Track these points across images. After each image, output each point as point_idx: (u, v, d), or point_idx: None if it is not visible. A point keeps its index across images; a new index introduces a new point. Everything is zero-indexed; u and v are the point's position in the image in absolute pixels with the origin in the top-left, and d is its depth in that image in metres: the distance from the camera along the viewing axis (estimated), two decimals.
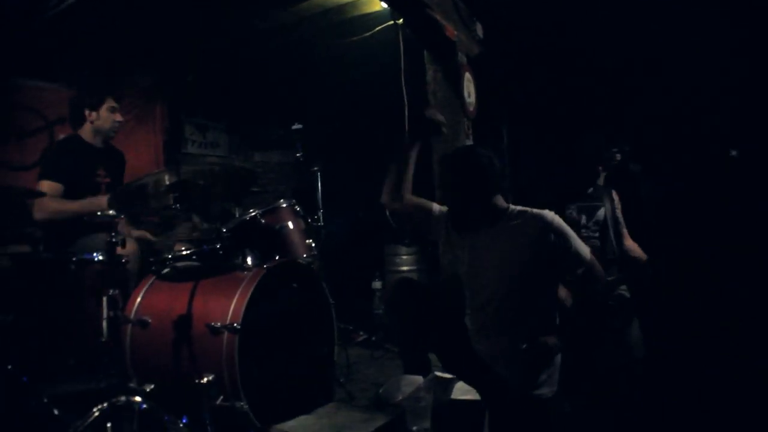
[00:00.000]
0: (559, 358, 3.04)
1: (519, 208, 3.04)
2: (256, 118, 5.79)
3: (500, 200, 3.06)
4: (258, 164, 5.94)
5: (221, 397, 3.14)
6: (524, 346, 2.91)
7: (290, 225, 4.11)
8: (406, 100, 5.25)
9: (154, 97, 5.70)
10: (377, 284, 5.47)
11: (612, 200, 4.22)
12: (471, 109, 5.19)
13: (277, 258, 3.81)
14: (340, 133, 5.96)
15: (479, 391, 2.90)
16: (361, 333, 4.85)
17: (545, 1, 5.74)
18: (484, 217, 3.04)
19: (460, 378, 2.97)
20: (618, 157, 4.48)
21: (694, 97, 5.48)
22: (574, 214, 4.30)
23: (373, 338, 4.81)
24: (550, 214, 2.95)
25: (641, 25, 5.52)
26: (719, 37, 5.23)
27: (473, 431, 2.92)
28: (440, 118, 3.43)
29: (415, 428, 3.01)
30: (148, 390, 3.06)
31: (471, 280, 3.14)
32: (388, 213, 5.41)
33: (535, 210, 2.99)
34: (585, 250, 3.01)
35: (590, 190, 4.32)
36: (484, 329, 3.08)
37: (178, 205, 3.37)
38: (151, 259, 3.68)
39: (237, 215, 4.17)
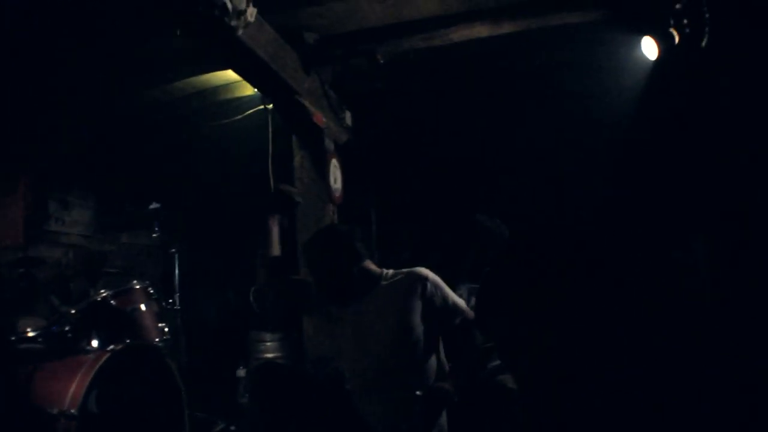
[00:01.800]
0: (444, 417, 3.04)
1: (393, 270, 3.16)
2: (124, 197, 5.62)
3: (372, 265, 3.16)
4: (124, 245, 5.73)
5: None
6: (418, 392, 2.88)
7: (142, 307, 3.96)
8: (272, 184, 5.22)
9: (18, 169, 5.42)
10: (241, 372, 5.27)
11: None
12: (337, 195, 5.20)
13: (126, 341, 3.61)
14: (208, 214, 5.84)
15: None
16: (219, 422, 4.62)
17: (412, 93, 5.94)
18: (360, 284, 3.10)
19: None
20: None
21: (554, 183, 5.74)
22: (464, 295, 4.29)
23: (232, 428, 4.59)
24: (424, 270, 3.08)
25: (498, 118, 5.80)
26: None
27: None
28: (292, 190, 3.50)
29: None
30: None
31: (355, 346, 3.17)
32: (252, 298, 5.31)
33: (408, 269, 3.11)
34: (461, 301, 3.13)
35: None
36: (369, 390, 3.08)
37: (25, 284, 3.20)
38: None
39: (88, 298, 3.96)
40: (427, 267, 3.23)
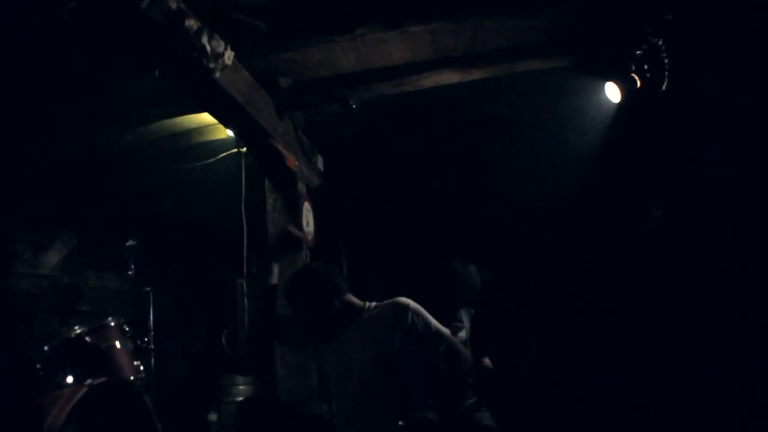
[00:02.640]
0: None
1: (375, 303, 3.23)
2: (93, 238, 5.58)
3: (353, 299, 3.23)
4: (94, 290, 5.66)
5: None
6: (401, 422, 2.89)
7: (117, 345, 3.93)
8: (245, 227, 5.25)
9: None
10: (213, 416, 5.20)
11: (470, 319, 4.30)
12: (309, 238, 5.24)
13: (103, 378, 3.57)
14: (182, 255, 5.83)
15: None
16: None
17: (383, 137, 6.05)
18: (343, 317, 3.15)
19: None
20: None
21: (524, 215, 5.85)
22: (465, 321, 4.31)
23: None
24: (406, 299, 3.14)
25: (467, 161, 5.93)
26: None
27: None
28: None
29: None
30: None
31: (339, 375, 3.23)
32: (224, 340, 5.28)
33: (391, 300, 3.17)
34: (444, 329, 3.17)
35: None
36: (353, 420, 3.12)
37: None
38: None
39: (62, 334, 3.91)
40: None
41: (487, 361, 4.00)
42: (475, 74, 4.81)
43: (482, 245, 5.84)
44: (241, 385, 4.95)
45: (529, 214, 5.91)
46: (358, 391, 3.10)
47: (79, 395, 3.15)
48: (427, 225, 6.19)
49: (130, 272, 4.49)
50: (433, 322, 3.14)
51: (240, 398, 4.97)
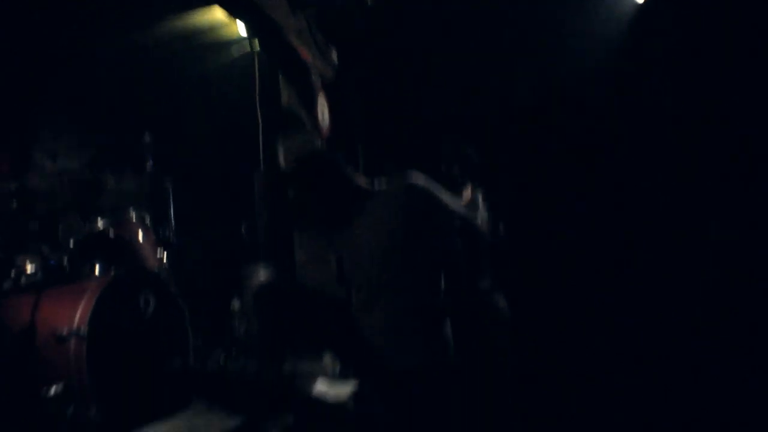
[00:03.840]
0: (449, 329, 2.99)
1: (383, 181, 3.06)
2: (111, 139, 5.62)
3: (361, 180, 3.08)
4: (113, 192, 5.73)
5: (72, 408, 2.99)
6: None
7: (140, 237, 4.02)
8: (260, 121, 5.27)
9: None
10: (236, 304, 5.36)
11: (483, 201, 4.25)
12: (324, 129, 5.27)
13: (126, 268, 3.68)
14: (200, 151, 5.86)
15: (368, 366, 2.96)
16: (219, 350, 4.72)
17: (398, 30, 5.97)
18: (354, 203, 3.03)
19: (347, 358, 3.00)
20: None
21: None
22: (478, 199, 4.29)
23: (233, 353, 4.70)
24: (415, 174, 2.96)
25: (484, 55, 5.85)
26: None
27: (337, 428, 2.92)
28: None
29: (276, 429, 2.98)
30: None
31: (354, 265, 3.10)
32: (243, 229, 5.38)
33: (398, 179, 2.99)
34: (456, 203, 3.03)
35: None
36: (370, 305, 3.00)
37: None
38: None
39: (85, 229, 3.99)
40: None
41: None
42: None
43: (497, 134, 5.84)
44: (261, 272, 5.07)
45: (544, 108, 5.87)
46: (372, 278, 3.00)
47: (107, 282, 3.26)
48: (443, 116, 6.16)
49: (148, 167, 4.54)
50: (446, 197, 2.98)
51: (259, 285, 5.12)
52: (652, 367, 4.13)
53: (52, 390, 2.93)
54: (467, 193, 4.17)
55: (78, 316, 3.08)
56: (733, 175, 5.09)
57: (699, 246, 5.01)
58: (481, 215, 4.21)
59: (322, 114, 5.27)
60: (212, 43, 5.70)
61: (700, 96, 5.47)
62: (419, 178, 2.96)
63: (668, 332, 4.54)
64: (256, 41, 5.27)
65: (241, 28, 5.36)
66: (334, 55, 5.80)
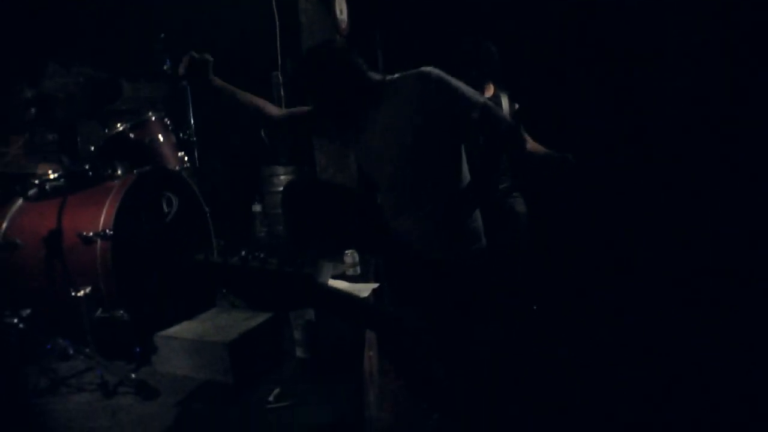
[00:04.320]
0: (478, 212, 2.95)
1: (396, 75, 2.85)
2: (122, 50, 5.51)
3: (374, 75, 2.88)
4: (127, 100, 5.66)
5: (100, 309, 3.05)
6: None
7: (160, 138, 4.00)
8: (277, 20, 5.16)
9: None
10: (257, 207, 5.40)
11: (509, 101, 4.12)
12: (343, 26, 5.15)
13: (148, 167, 3.67)
14: (215, 54, 5.73)
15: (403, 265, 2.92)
16: (242, 249, 4.75)
17: None
18: (366, 99, 2.85)
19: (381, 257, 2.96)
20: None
21: None
22: (505, 102, 4.15)
23: (256, 253, 4.74)
24: (427, 68, 2.75)
25: None
26: None
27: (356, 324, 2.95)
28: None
29: (298, 320, 3.02)
30: (24, 315, 2.92)
31: (373, 165, 2.99)
32: (263, 133, 5.35)
33: (411, 71, 2.78)
34: (474, 93, 2.80)
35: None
36: (396, 208, 2.94)
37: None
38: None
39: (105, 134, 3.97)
40: None
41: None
42: None
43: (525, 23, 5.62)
44: (282, 175, 5.08)
45: None
46: (393, 179, 2.90)
47: (130, 182, 3.26)
48: (465, 14, 5.95)
49: (165, 67, 4.46)
50: (463, 87, 2.76)
51: (282, 188, 5.13)
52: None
53: (81, 292, 2.97)
54: (489, 91, 4.06)
55: (103, 218, 3.09)
56: None
57: None
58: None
59: (341, 9, 5.13)
60: None
61: None
62: (434, 69, 2.74)
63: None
64: None
65: None
66: None
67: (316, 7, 5.03)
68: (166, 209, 3.49)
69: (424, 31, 6.13)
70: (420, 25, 6.10)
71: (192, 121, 4.65)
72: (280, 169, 5.06)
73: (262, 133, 5.23)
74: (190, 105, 4.70)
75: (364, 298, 3.44)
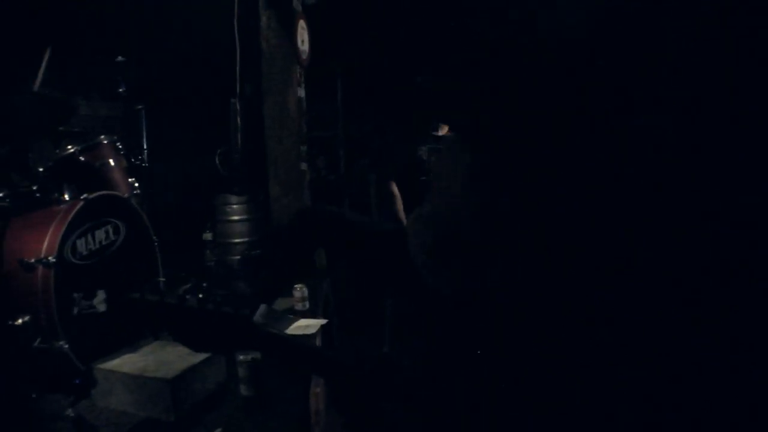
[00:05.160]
0: None
1: None
2: (82, 60, 5.42)
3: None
4: (85, 117, 5.55)
5: (39, 339, 2.94)
6: None
7: (111, 162, 3.91)
8: (238, 45, 5.13)
9: None
10: (208, 236, 5.31)
11: None
12: (304, 57, 5.12)
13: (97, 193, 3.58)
14: (173, 76, 5.68)
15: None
16: (191, 279, 4.69)
17: None
18: None
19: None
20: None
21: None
22: (424, 155, 4.24)
23: (204, 284, 4.67)
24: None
25: None
26: None
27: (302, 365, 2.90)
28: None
29: (242, 357, 2.96)
30: None
31: None
32: (217, 160, 5.29)
33: None
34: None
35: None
36: None
37: None
38: None
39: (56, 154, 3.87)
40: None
41: None
42: None
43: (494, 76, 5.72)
44: (235, 204, 5.01)
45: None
46: None
47: (76, 208, 3.17)
48: (428, 46, 6.00)
49: (121, 90, 4.39)
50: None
51: (234, 217, 5.07)
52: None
53: (19, 321, 2.86)
54: (444, 130, 4.10)
55: (46, 243, 2.99)
56: None
57: None
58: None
59: (302, 40, 5.11)
60: None
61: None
62: None
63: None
64: None
65: None
66: None
67: (278, 35, 5.01)
68: (112, 237, 3.40)
69: (383, 63, 6.17)
70: (379, 56, 6.14)
71: (145, 146, 4.58)
72: (233, 198, 4.99)
73: (217, 161, 5.17)
74: (144, 129, 4.63)
75: (305, 341, 3.39)
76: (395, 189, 3.88)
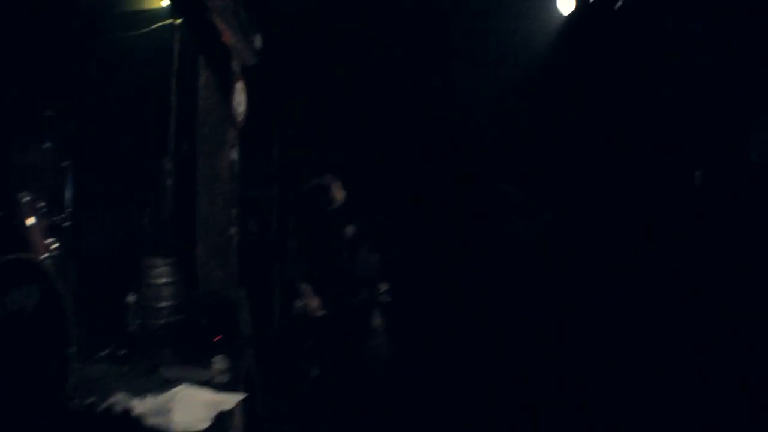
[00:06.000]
0: None
1: None
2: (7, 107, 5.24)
3: None
4: (7, 167, 5.33)
5: None
6: None
7: (29, 222, 3.73)
8: (174, 103, 5.05)
9: None
10: (132, 298, 5.09)
11: None
12: (240, 119, 5.06)
13: (7, 256, 3.40)
14: (104, 131, 5.52)
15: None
16: (108, 346, 4.47)
17: (328, 20, 5.81)
18: None
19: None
20: None
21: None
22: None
23: (122, 352, 4.46)
24: None
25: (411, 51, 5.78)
26: None
27: None
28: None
29: None
30: None
31: None
32: (146, 220, 5.13)
33: None
34: None
35: None
36: None
37: None
38: None
39: None
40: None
41: None
42: None
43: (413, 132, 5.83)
44: (161, 267, 4.85)
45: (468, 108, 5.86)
46: None
47: None
48: (362, 110, 6.06)
49: (47, 145, 4.23)
50: None
51: (160, 280, 4.89)
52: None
53: None
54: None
55: None
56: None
57: None
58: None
59: (239, 102, 5.04)
60: (132, 12, 5.39)
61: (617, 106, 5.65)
62: None
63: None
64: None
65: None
66: (258, 41, 5.58)
67: (215, 95, 4.94)
68: (24, 302, 3.22)
69: (318, 121, 6.20)
70: (315, 115, 6.17)
71: (70, 204, 4.41)
72: (160, 260, 4.82)
73: (145, 221, 5.02)
74: (69, 186, 4.46)
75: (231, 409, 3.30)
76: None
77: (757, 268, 4.36)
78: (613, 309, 4.80)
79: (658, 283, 4.79)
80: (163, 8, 5.19)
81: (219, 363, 3.85)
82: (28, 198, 3.80)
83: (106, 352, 4.42)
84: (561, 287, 5.21)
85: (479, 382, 4.51)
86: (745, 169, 5.54)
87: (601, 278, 5.11)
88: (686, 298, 4.51)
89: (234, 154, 4.98)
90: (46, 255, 3.76)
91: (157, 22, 5.33)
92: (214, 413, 3.11)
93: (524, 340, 4.81)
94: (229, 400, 3.38)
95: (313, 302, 3.51)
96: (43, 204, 3.93)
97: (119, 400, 2.98)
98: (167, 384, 3.57)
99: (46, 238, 3.85)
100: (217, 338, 4.24)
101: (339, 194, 4.62)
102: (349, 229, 4.62)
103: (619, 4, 4.19)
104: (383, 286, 4.41)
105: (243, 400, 3.62)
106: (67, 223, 4.31)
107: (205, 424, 2.98)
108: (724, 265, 4.55)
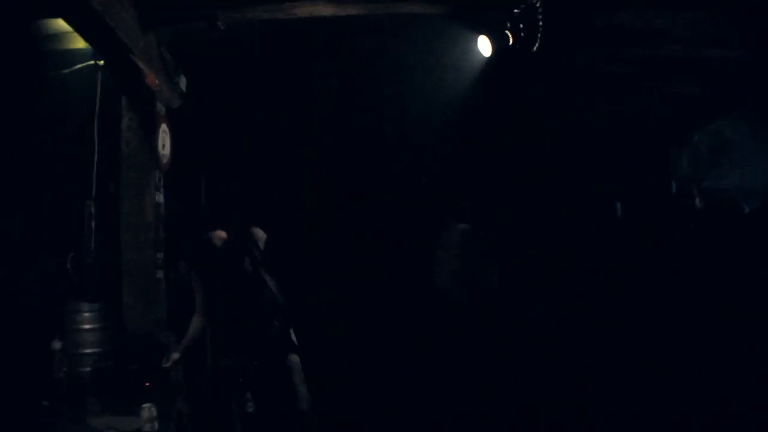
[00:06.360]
0: None
1: None
2: None
3: None
4: None
5: None
6: None
7: None
8: (96, 146, 5.00)
9: None
10: (57, 344, 4.96)
11: None
12: (164, 161, 5.03)
13: None
14: (22, 173, 5.38)
15: None
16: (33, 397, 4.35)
17: (253, 63, 5.85)
18: None
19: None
20: None
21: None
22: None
23: (45, 403, 4.34)
24: None
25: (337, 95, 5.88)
26: None
27: None
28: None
29: None
30: None
31: None
32: (69, 264, 5.03)
33: None
34: None
35: None
36: None
37: None
38: None
39: None
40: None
41: None
42: (350, 10, 4.66)
43: (339, 177, 5.90)
44: (87, 312, 4.76)
45: (397, 153, 5.98)
46: None
47: None
48: (290, 155, 6.11)
49: None
50: None
51: (85, 326, 4.79)
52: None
53: None
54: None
55: None
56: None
57: None
58: None
59: (163, 144, 5.02)
60: (53, 52, 5.30)
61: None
62: None
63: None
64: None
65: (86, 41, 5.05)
66: (183, 83, 5.58)
67: (139, 138, 4.91)
68: None
69: (246, 163, 6.21)
70: (243, 157, 6.18)
71: None
72: (85, 306, 4.74)
73: (68, 265, 4.92)
74: None
75: None
76: None
77: (677, 295, 4.55)
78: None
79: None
80: (86, 48, 5.11)
81: (148, 411, 3.80)
82: None
83: (30, 401, 4.31)
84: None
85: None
86: (667, 199, 5.82)
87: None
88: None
89: (159, 197, 4.95)
90: None
91: (80, 63, 5.26)
92: None
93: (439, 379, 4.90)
94: None
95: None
96: None
97: None
98: None
99: None
100: (147, 384, 4.19)
101: (260, 236, 4.67)
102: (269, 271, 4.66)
103: (537, 45, 4.36)
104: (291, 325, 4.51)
105: None
106: None
107: None
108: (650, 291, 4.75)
